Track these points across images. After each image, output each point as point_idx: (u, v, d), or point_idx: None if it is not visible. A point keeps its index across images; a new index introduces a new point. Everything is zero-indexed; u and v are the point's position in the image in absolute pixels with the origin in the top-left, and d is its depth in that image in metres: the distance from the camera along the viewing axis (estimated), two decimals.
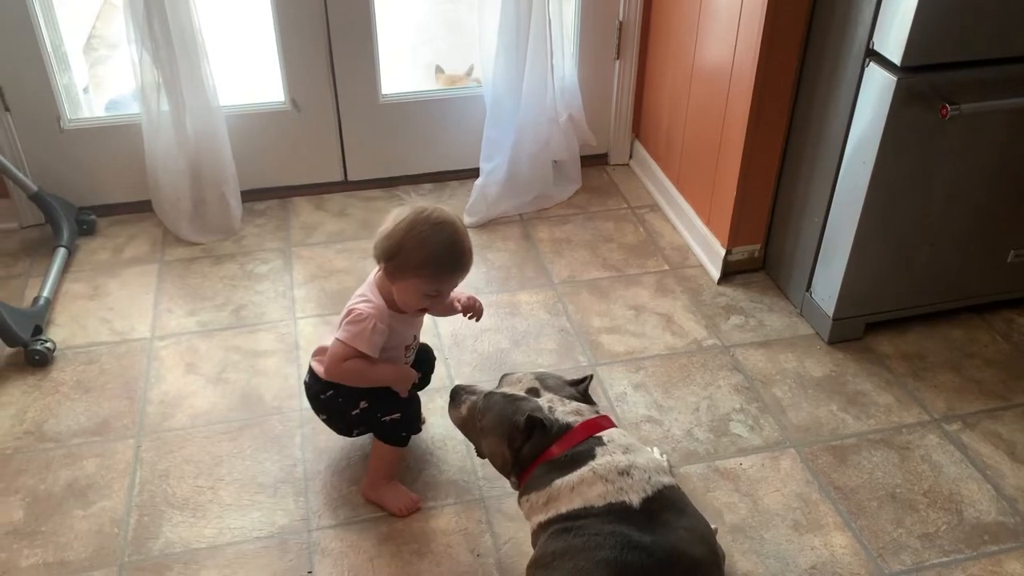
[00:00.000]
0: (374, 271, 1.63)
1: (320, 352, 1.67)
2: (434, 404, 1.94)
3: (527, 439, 1.36)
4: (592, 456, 1.30)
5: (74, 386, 1.98)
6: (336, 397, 1.66)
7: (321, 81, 2.49)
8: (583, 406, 1.40)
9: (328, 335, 1.65)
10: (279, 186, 2.63)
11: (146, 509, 1.71)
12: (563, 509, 1.29)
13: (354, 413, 1.67)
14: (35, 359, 2.02)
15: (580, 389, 1.45)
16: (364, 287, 1.62)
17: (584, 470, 1.29)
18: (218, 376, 2.02)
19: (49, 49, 2.34)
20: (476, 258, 2.38)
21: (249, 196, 2.58)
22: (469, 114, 2.61)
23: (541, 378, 1.46)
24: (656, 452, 1.75)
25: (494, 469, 1.77)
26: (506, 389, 1.47)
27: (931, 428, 1.89)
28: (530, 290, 2.30)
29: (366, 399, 1.66)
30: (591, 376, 1.50)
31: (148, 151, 2.37)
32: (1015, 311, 2.19)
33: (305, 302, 2.24)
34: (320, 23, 2.41)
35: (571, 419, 1.36)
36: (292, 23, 2.40)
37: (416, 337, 1.70)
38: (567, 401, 1.39)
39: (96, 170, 2.49)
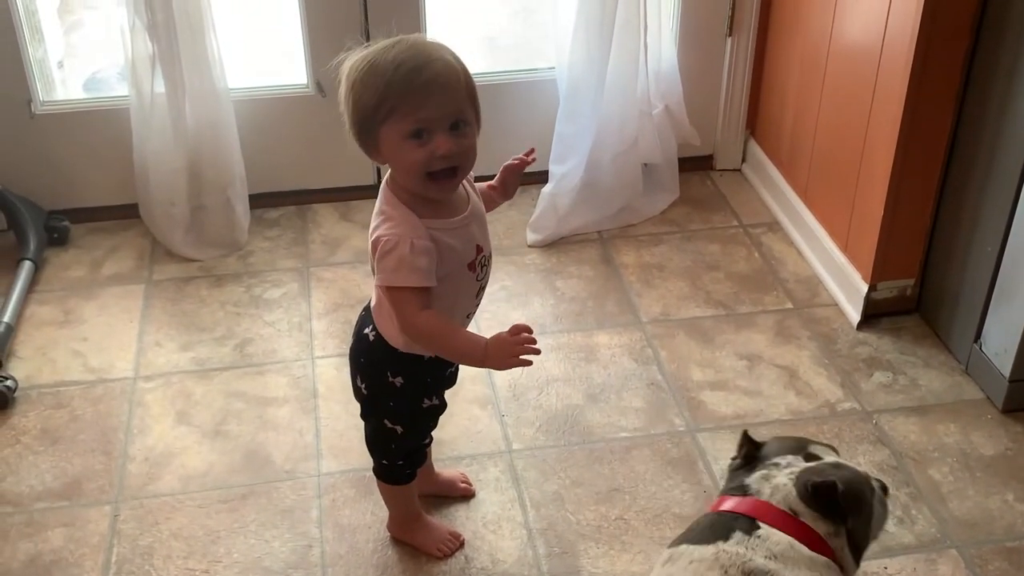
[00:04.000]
0: (382, 184, 1.55)
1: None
2: (487, 474, 1.96)
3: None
4: (726, 536, 1.33)
5: (38, 436, 2.04)
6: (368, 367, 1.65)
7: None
8: (782, 488, 1.38)
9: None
10: (297, 190, 2.69)
11: None
12: None
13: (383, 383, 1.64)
14: None
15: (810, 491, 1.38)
16: (376, 208, 1.53)
17: (709, 548, 1.32)
18: (216, 428, 2.06)
19: (21, 15, 2.43)
20: (542, 286, 2.44)
21: (259, 201, 2.64)
22: (537, 103, 2.64)
23: (819, 451, 1.47)
24: None
25: (563, 563, 1.79)
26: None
27: None
28: (611, 330, 2.31)
29: (403, 375, 1.62)
30: (838, 484, 1.36)
31: (137, 143, 2.44)
32: None
33: (326, 337, 2.28)
34: None
35: (755, 486, 1.39)
36: None
37: (482, 249, 1.58)
38: (781, 471, 1.40)
39: (72, 166, 2.57)
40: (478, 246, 1.57)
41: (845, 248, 2.36)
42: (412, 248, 1.47)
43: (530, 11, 3.56)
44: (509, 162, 1.68)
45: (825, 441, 1.56)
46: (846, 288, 2.36)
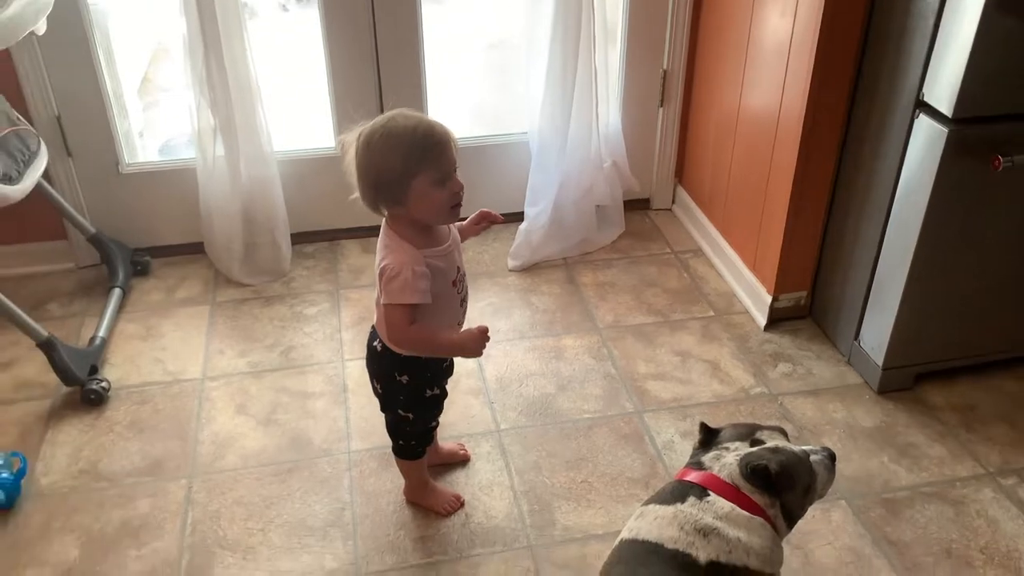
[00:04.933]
0: (383, 225, 1.52)
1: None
2: (480, 449, 1.95)
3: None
4: (683, 499, 1.33)
5: (128, 426, 2.02)
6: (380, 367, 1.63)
7: None
8: (728, 466, 1.36)
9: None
10: (328, 229, 2.68)
11: (198, 551, 1.72)
12: (642, 534, 1.32)
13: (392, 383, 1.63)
14: (91, 398, 2.06)
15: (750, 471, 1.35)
16: (380, 244, 1.51)
17: (669, 508, 1.32)
18: (268, 417, 2.04)
19: (111, 96, 2.42)
20: (520, 302, 2.43)
21: (299, 239, 2.62)
22: (514, 159, 2.64)
23: (765, 436, 1.44)
24: None
25: (542, 518, 1.78)
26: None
27: (986, 482, 1.85)
28: (575, 334, 2.30)
29: (407, 373, 1.61)
30: (770, 467, 1.33)
31: (202, 195, 2.43)
32: None
33: (353, 344, 2.27)
34: (371, 69, 2.46)
35: (708, 463, 1.37)
36: (343, 69, 2.46)
37: (460, 269, 1.58)
38: (730, 452, 1.38)
39: (152, 213, 2.55)
40: (458, 267, 1.58)
41: (753, 268, 2.37)
42: (414, 273, 1.46)
43: (507, 87, 3.57)
44: (488, 212, 1.68)
45: (774, 424, 1.52)
46: (755, 299, 2.36)
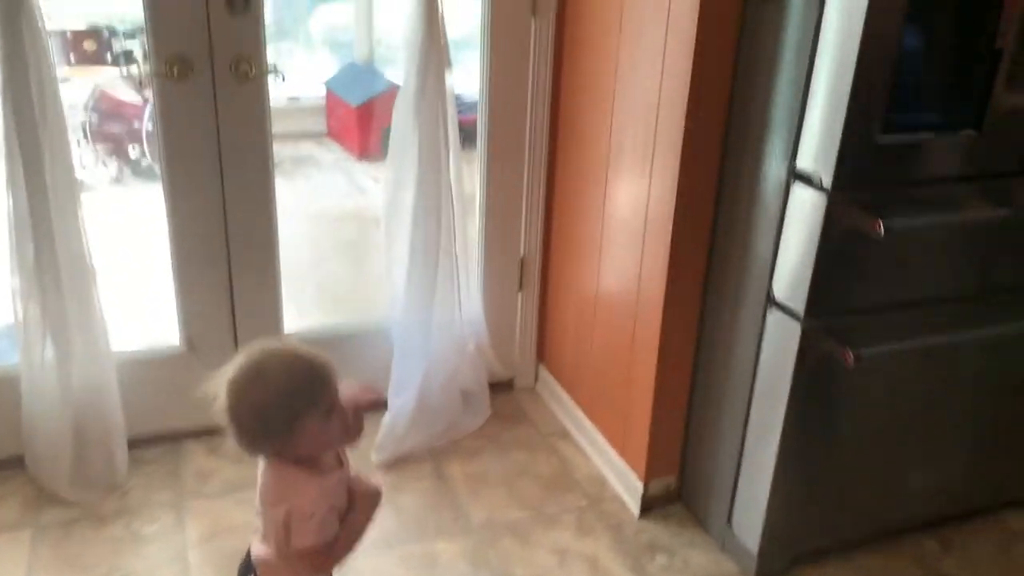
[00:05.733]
0: (260, 468, 1.42)
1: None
2: None
3: None
4: None
5: None
6: None
7: (220, 319, 2.40)
8: None
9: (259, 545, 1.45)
10: (169, 431, 2.45)
11: None
12: None
13: None
14: None
15: None
16: (271, 483, 1.39)
17: None
18: None
19: None
20: (388, 503, 2.23)
21: (136, 443, 2.37)
22: (375, 348, 2.55)
23: None
24: None
25: None
26: None
27: None
28: (448, 538, 2.17)
29: None
30: None
31: (26, 406, 2.17)
32: (924, 536, 2.24)
33: (202, 566, 2.03)
34: (222, 256, 2.34)
35: None
36: (190, 257, 2.32)
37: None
38: None
39: None
40: (348, 499, 1.46)
41: (623, 453, 2.35)
42: (329, 509, 1.38)
43: (367, 276, 3.51)
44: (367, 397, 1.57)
45: None
46: (626, 485, 2.33)
